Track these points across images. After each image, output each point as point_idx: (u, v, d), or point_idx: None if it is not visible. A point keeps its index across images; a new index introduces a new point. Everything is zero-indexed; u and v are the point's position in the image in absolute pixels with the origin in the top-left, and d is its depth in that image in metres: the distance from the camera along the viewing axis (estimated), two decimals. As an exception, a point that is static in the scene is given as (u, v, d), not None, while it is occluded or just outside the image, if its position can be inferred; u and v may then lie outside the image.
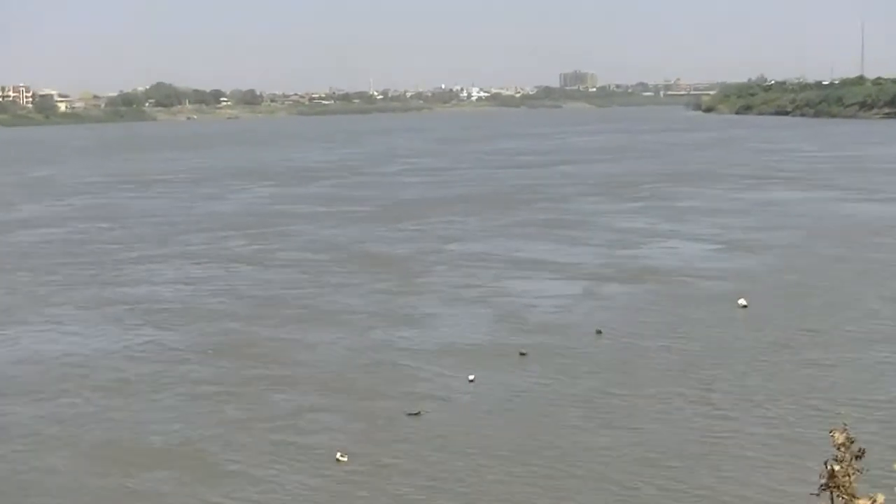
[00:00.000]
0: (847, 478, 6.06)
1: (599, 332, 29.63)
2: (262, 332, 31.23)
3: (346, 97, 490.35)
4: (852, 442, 6.09)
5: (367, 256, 44.77)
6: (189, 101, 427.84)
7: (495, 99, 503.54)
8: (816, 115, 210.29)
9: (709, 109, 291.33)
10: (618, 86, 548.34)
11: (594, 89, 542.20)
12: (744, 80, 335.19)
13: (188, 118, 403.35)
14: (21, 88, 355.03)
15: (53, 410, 24.40)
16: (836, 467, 6.05)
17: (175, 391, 25.51)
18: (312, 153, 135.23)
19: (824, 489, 6.12)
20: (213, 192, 79.45)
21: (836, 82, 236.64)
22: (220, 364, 27.80)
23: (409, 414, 22.78)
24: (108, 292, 38.32)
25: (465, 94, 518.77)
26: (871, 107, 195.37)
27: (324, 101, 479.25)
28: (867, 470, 6.28)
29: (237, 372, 26.96)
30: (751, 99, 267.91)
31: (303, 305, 34.78)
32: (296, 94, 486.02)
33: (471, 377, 25.33)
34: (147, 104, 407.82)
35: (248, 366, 27.48)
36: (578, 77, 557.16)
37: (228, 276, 40.97)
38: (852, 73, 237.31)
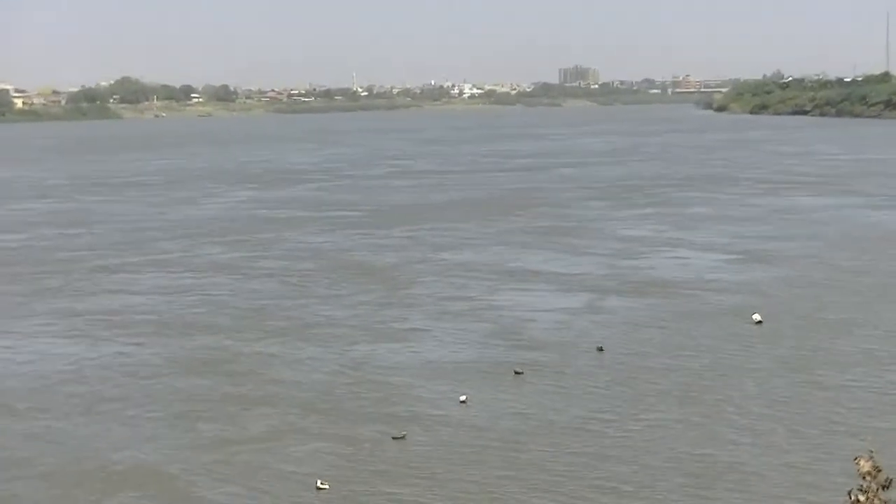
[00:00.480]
0: (873, 509, 6.06)
1: (601, 349, 29.79)
2: (241, 346, 31.42)
3: (327, 94, 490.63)
4: (879, 471, 6.09)
5: (352, 266, 44.94)
6: (157, 98, 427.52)
7: (489, 96, 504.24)
8: (838, 114, 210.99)
9: (721, 108, 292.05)
10: (622, 82, 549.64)
11: (596, 86, 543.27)
12: (759, 76, 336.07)
13: (156, 115, 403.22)
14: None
15: (16, 430, 24.55)
16: (861, 497, 6.05)
17: (146, 409, 25.67)
18: (292, 154, 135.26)
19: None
20: (187, 195, 79.64)
21: (860, 79, 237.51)
22: (195, 381, 28.00)
23: (395, 438, 22.88)
24: (78, 303, 38.50)
25: (456, 90, 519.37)
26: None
27: (303, 98, 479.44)
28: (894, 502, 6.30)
29: (213, 389, 27.14)
30: (766, 97, 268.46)
31: (284, 318, 34.98)
32: (273, 91, 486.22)
33: (462, 398, 25.42)
34: (111, 100, 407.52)
35: (226, 383, 27.68)
36: (579, 73, 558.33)
37: (206, 287, 41.14)
38: (877, 70, 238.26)
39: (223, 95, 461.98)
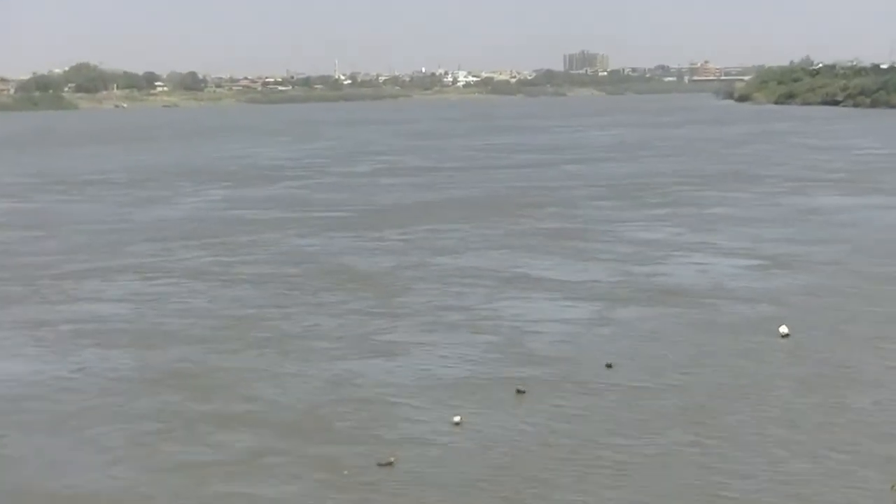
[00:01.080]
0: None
1: (610, 365, 29.85)
2: (217, 359, 31.79)
3: (306, 82, 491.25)
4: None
5: (339, 271, 45.45)
6: (117, 86, 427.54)
7: (486, 85, 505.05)
8: (873, 104, 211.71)
9: (743, 98, 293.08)
10: (633, 69, 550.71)
11: (605, 73, 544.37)
12: (785, 62, 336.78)
13: (116, 106, 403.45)
14: None
15: (-31, 450, 24.81)
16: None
17: (111, 428, 25.95)
18: (269, 149, 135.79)
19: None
20: (156, 194, 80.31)
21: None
22: (166, 397, 28.30)
23: (381, 464, 22.93)
24: (43, 313, 38.86)
25: (449, 78, 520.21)
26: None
27: (280, 87, 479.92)
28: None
29: (185, 406, 27.43)
30: (794, 86, 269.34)
31: (265, 328, 35.38)
32: (246, 79, 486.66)
33: (456, 419, 25.39)
34: (67, 89, 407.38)
35: (199, 399, 27.96)
36: (586, 59, 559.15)
37: (181, 294, 41.61)
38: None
39: (190, 84, 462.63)
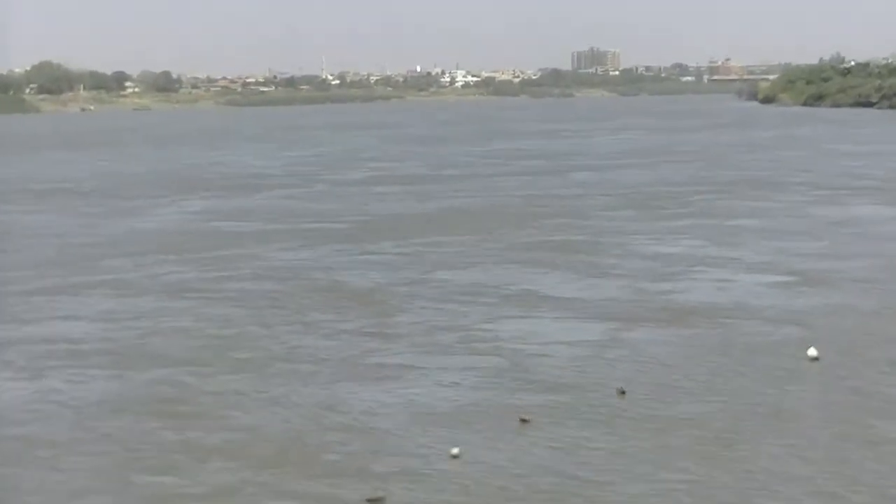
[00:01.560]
0: None
1: (622, 392, 29.87)
2: (195, 383, 32.00)
3: (291, 83, 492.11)
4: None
5: (328, 288, 45.72)
6: (84, 87, 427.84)
7: (487, 85, 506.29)
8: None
9: (768, 99, 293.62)
10: (647, 68, 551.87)
11: (617, 72, 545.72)
12: (814, 60, 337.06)
13: (83, 109, 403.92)
14: None
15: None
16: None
17: (80, 457, 26.11)
18: (251, 156, 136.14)
19: None
20: (129, 205, 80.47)
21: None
22: (143, 423, 28.43)
23: (370, 500, 22.93)
24: (12, 331, 39.08)
25: (447, 78, 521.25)
26: None
27: (262, 88, 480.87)
28: None
29: (161, 434, 27.54)
30: (823, 86, 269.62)
31: (250, 349, 35.60)
32: (225, 79, 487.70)
33: (454, 451, 25.32)
34: (28, 90, 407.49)
35: (175, 426, 28.08)
36: (596, 57, 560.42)
37: (160, 312, 41.79)
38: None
39: (164, 84, 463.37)
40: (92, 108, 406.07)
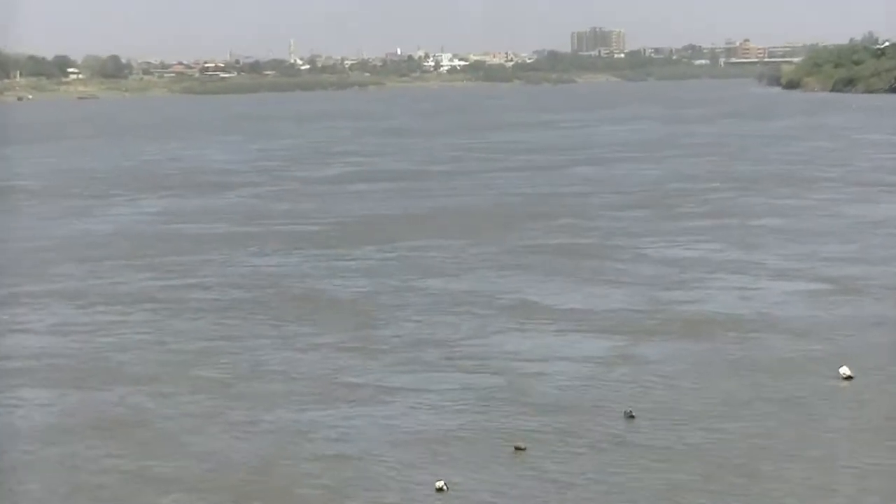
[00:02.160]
0: None
1: (631, 415, 29.92)
2: (157, 404, 32.15)
3: (255, 68, 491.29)
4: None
5: (304, 297, 46.01)
6: (21, 73, 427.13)
7: (476, 70, 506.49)
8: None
9: (792, 84, 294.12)
10: (657, 50, 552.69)
11: (622, 55, 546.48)
12: (843, 41, 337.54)
13: (20, 98, 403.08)
14: None
15: None
16: None
17: (26, 486, 26.24)
18: (212, 149, 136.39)
19: None
20: (80, 204, 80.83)
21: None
22: (94, 450, 28.53)
23: None
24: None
25: (431, 63, 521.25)
26: None
27: (222, 74, 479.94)
28: None
29: (118, 462, 27.62)
30: (854, 69, 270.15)
31: (214, 367, 35.79)
32: (180, 64, 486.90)
33: (439, 483, 25.35)
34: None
35: (134, 453, 28.17)
36: (599, 37, 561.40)
37: (118, 325, 41.99)
38: None
39: (112, 70, 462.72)
40: (30, 96, 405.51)
